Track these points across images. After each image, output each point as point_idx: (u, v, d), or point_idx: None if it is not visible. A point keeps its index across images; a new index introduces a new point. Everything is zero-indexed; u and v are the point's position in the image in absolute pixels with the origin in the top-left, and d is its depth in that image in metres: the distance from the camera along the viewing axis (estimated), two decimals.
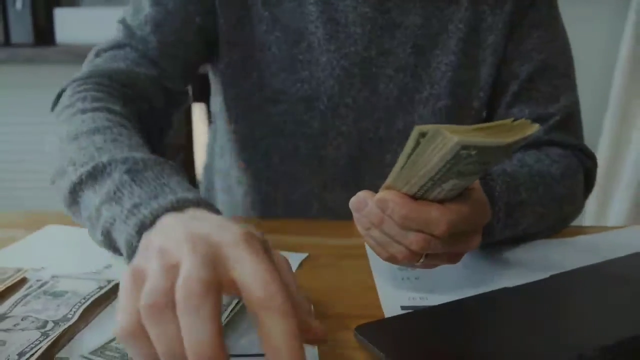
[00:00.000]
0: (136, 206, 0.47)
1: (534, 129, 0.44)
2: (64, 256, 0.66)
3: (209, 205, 0.47)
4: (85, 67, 0.74)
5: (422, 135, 0.43)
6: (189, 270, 0.35)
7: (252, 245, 0.38)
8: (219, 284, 0.35)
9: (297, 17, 0.78)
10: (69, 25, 1.84)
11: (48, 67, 1.90)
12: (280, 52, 0.78)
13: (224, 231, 0.39)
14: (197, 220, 0.42)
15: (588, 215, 2.02)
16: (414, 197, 0.49)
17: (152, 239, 0.41)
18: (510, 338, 0.49)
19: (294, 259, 0.65)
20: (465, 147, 0.40)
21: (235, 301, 0.53)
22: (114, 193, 0.50)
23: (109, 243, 0.51)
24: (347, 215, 0.84)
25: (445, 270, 0.63)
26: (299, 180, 0.84)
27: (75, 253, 0.68)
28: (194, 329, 0.33)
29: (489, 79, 0.80)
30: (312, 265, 0.65)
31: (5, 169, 2.03)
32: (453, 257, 0.54)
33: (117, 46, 0.76)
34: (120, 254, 0.51)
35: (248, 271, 0.36)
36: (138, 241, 0.45)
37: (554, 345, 0.47)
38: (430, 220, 0.48)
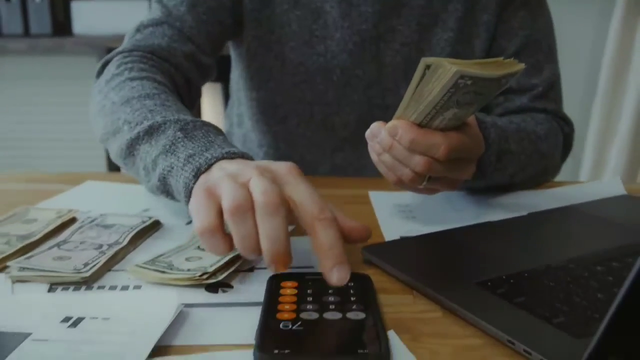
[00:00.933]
0: (191, 156, 0.57)
1: (521, 67, 0.53)
2: (106, 203, 0.76)
3: (252, 158, 0.58)
4: (128, 42, 0.83)
5: (427, 67, 0.52)
6: (265, 185, 0.47)
7: (300, 175, 0.51)
8: (285, 200, 0.47)
9: None
10: (86, 16, 1.93)
11: (66, 57, 2.00)
12: (299, 29, 0.89)
13: (277, 165, 0.52)
14: (250, 161, 0.54)
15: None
16: (420, 125, 0.58)
17: (214, 172, 0.53)
18: (493, 254, 0.59)
19: None
20: (462, 76, 0.49)
21: None
22: (170, 147, 0.59)
23: (163, 188, 0.61)
24: (355, 173, 0.94)
25: (438, 210, 0.73)
26: (314, 142, 0.94)
27: (115, 200, 0.77)
28: (271, 229, 0.45)
29: (482, 53, 0.91)
30: None
31: (23, 155, 2.13)
32: (451, 184, 0.63)
33: (155, 24, 0.84)
34: (172, 198, 0.62)
35: (303, 193, 0.49)
36: (194, 183, 0.55)
37: (527, 259, 0.57)
38: (433, 144, 0.57)
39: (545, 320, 0.45)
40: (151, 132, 0.62)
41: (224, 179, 0.49)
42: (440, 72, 0.51)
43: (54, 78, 2.03)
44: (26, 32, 1.94)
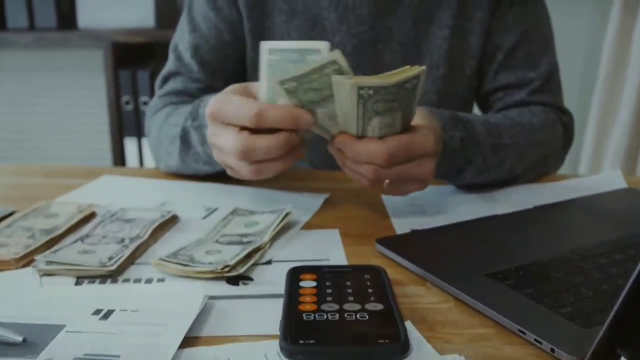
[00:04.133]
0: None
1: (419, 69, 0.57)
2: (124, 197, 0.78)
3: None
4: (159, 92, 0.97)
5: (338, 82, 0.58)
6: None
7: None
8: None
9: (312, 6, 0.91)
10: (91, 10, 1.94)
11: (71, 50, 2.01)
12: (299, 37, 0.91)
13: None
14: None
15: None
16: (358, 137, 0.62)
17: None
18: (501, 246, 0.61)
19: (318, 199, 0.77)
20: (361, 87, 0.56)
21: (277, 221, 0.65)
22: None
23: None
24: None
25: (447, 205, 0.75)
26: (318, 142, 0.96)
27: (133, 195, 0.79)
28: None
29: (478, 49, 0.92)
30: (334, 202, 0.77)
31: (30, 147, 2.15)
32: (417, 183, 0.65)
33: (172, 75, 0.96)
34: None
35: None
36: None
37: (534, 251, 0.59)
38: (371, 152, 0.60)
39: (553, 311, 0.47)
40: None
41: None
42: (342, 88, 0.57)
43: (60, 71, 2.05)
44: (31, 26, 1.96)
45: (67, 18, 1.99)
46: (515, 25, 0.91)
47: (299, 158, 0.65)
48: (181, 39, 0.95)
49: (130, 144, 1.99)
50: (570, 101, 0.98)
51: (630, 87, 1.93)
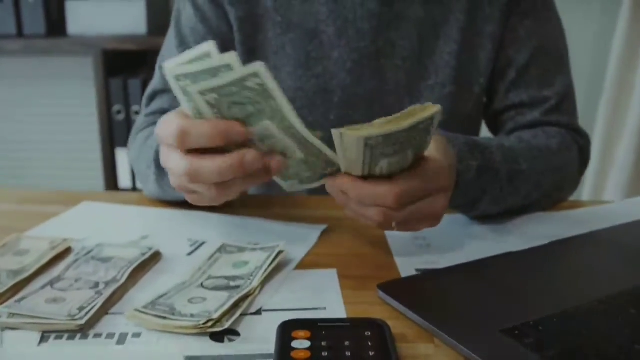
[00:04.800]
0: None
1: (434, 110, 0.51)
2: (103, 229, 0.72)
3: None
4: (145, 110, 0.91)
5: (341, 135, 0.52)
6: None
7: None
8: None
9: (308, 18, 0.84)
10: (80, 16, 1.88)
11: (60, 58, 1.95)
12: (294, 52, 0.84)
13: None
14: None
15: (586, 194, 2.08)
16: (364, 177, 0.56)
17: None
18: (517, 292, 0.55)
19: (314, 231, 0.71)
20: (369, 138, 0.50)
21: (269, 262, 0.59)
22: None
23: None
24: None
25: (454, 238, 0.69)
26: None
27: (112, 226, 0.73)
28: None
29: (488, 65, 0.86)
30: (332, 234, 0.71)
31: (18, 157, 2.09)
32: (429, 221, 0.59)
33: (158, 93, 0.90)
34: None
35: None
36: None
37: (554, 299, 0.53)
38: (379, 195, 0.55)
39: None
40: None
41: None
42: (347, 141, 0.52)
43: (49, 79, 1.98)
44: (20, 33, 1.90)
45: (56, 25, 1.93)
46: (529, 40, 0.85)
47: (274, 173, 0.57)
48: (168, 54, 0.89)
49: (121, 155, 1.93)
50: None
51: (638, 93, 1.87)
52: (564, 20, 0.90)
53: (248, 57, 0.86)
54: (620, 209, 0.79)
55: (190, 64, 0.51)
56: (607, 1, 1.99)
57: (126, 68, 1.92)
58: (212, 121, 0.54)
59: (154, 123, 0.85)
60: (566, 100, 0.86)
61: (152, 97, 0.91)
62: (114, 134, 1.91)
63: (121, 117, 1.88)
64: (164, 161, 0.59)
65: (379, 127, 0.50)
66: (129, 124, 1.88)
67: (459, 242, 0.68)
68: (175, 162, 0.56)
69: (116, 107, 1.88)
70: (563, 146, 0.80)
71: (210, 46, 0.50)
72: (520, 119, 0.86)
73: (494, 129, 0.92)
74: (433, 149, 0.59)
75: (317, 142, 0.55)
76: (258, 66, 0.48)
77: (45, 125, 2.03)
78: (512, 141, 0.76)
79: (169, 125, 0.55)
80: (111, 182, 1.95)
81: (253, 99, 0.51)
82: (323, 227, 0.72)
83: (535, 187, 0.74)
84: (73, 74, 1.95)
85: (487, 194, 0.69)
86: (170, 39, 0.90)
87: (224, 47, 0.87)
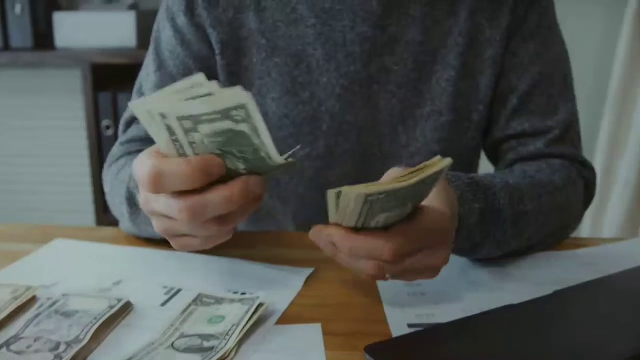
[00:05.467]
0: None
1: (444, 164, 0.47)
2: (74, 272, 0.67)
3: None
4: (121, 137, 0.87)
5: (337, 195, 0.48)
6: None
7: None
8: None
9: (295, 41, 0.79)
10: (68, 29, 1.83)
11: (48, 71, 1.90)
12: (280, 77, 0.79)
13: None
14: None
15: (584, 220, 2.03)
16: (357, 228, 0.51)
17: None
18: (525, 355, 0.50)
19: (300, 275, 0.66)
20: (370, 194, 0.46)
21: (247, 317, 0.54)
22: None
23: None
24: None
25: (450, 286, 0.64)
26: (307, 198, 0.85)
27: (84, 268, 0.68)
28: None
29: (488, 92, 0.81)
30: (318, 280, 0.66)
31: (5, 172, 2.03)
32: (427, 272, 0.55)
33: (133, 120, 0.85)
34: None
35: None
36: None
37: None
38: (374, 248, 0.50)
39: None
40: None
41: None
42: (344, 198, 0.48)
43: (36, 93, 1.93)
44: (6, 46, 1.85)
45: (43, 37, 1.88)
46: (531, 65, 0.80)
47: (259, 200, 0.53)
48: (145, 78, 0.84)
49: None
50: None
51: None
52: (567, 31, 0.85)
53: (231, 82, 0.81)
54: (630, 248, 0.74)
55: (163, 99, 0.46)
56: (608, 19, 1.94)
57: (115, 82, 1.87)
58: (189, 159, 0.49)
59: (129, 152, 0.81)
60: (570, 129, 0.81)
61: (129, 124, 0.86)
62: (103, 149, 1.86)
63: (110, 132, 1.84)
64: (148, 207, 0.54)
65: (380, 185, 0.46)
66: (118, 139, 1.83)
67: (456, 290, 0.63)
68: (164, 205, 0.51)
69: (105, 122, 1.83)
70: (568, 181, 0.75)
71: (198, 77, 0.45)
72: (522, 149, 0.80)
73: (494, 157, 0.87)
74: (433, 196, 0.54)
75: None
76: (246, 98, 0.44)
77: (32, 140, 1.98)
78: (516, 177, 0.71)
79: (143, 169, 0.50)
80: (99, 198, 1.91)
81: (235, 127, 0.46)
82: (309, 270, 0.67)
83: (540, 227, 0.70)
84: (61, 88, 1.90)
85: (490, 237, 0.64)
86: (148, 62, 0.85)
87: (206, 72, 0.82)
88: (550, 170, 0.75)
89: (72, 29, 1.83)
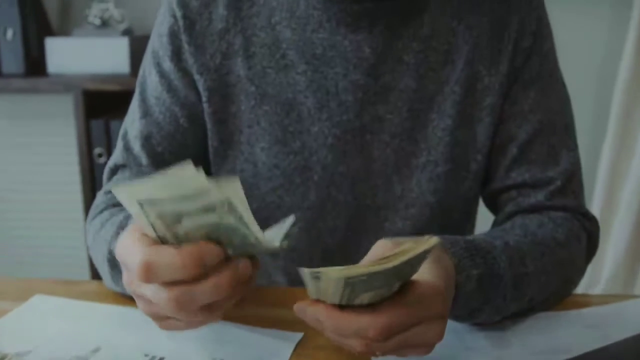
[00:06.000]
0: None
1: (431, 243, 0.45)
2: (51, 337, 0.64)
3: None
4: (105, 186, 0.84)
5: (314, 275, 0.46)
6: None
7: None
8: None
9: (285, 88, 0.76)
10: (60, 55, 1.81)
11: (40, 96, 1.87)
12: (270, 126, 0.77)
13: None
14: None
15: None
16: (342, 306, 0.49)
17: None
18: None
19: (288, 342, 0.63)
20: (350, 277, 0.44)
21: None
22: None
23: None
24: None
25: (446, 352, 0.61)
26: (298, 251, 0.82)
27: (63, 332, 0.65)
28: None
29: (486, 142, 0.78)
30: (308, 346, 0.62)
31: None
32: (421, 348, 0.52)
33: (119, 168, 0.83)
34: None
35: None
36: None
37: None
38: (360, 327, 0.47)
39: None
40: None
41: None
42: (324, 279, 0.46)
43: (28, 120, 1.90)
44: None
45: (36, 63, 1.85)
46: (532, 113, 0.77)
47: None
48: (131, 125, 0.82)
49: None
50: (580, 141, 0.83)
51: None
52: (572, 33, 0.82)
53: (218, 130, 0.79)
54: (632, 309, 0.71)
55: (149, 188, 0.44)
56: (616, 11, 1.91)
57: (108, 109, 1.84)
58: (181, 249, 0.46)
59: (114, 204, 0.78)
60: (572, 180, 0.78)
61: (114, 171, 0.84)
62: (96, 177, 1.83)
63: (103, 160, 1.80)
64: (133, 289, 0.52)
65: (362, 268, 0.44)
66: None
67: (452, 357, 0.60)
68: (151, 292, 0.49)
69: (97, 150, 1.80)
70: (571, 236, 0.72)
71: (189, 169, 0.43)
72: (523, 201, 0.77)
73: (493, 207, 0.83)
74: (425, 269, 0.51)
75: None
76: (231, 191, 0.43)
77: (23, 166, 1.95)
78: (517, 235, 0.68)
79: (132, 256, 0.48)
80: None
81: (223, 220, 0.45)
82: (298, 336, 0.64)
83: (542, 287, 0.66)
84: (53, 115, 1.87)
85: (490, 303, 0.61)
86: (133, 108, 0.82)
87: (193, 120, 0.80)
88: (552, 225, 0.72)
89: (64, 55, 1.81)
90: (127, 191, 0.44)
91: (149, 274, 0.46)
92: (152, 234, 0.48)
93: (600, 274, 1.98)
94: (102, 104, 1.83)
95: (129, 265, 0.49)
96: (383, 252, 0.51)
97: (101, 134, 1.79)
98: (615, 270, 1.93)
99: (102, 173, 1.78)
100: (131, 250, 0.48)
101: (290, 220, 0.52)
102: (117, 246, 0.51)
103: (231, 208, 0.43)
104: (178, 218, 0.45)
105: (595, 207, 1.88)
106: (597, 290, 1.96)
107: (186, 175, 0.42)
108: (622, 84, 1.82)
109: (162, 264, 0.46)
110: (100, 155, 1.80)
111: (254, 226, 0.45)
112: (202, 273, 0.46)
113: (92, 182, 1.83)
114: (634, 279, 1.99)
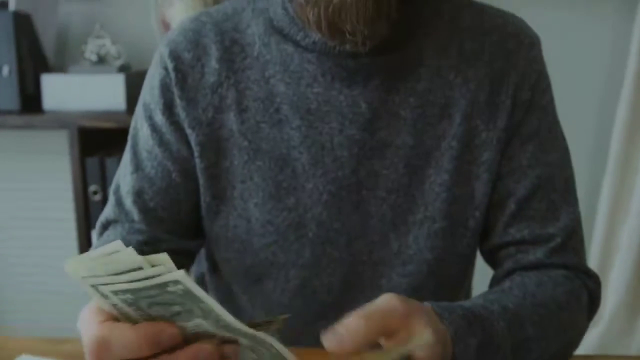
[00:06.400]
0: None
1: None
2: None
3: None
4: (95, 242, 0.84)
5: None
6: None
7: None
8: None
9: (279, 144, 0.75)
10: (56, 92, 1.80)
11: (35, 133, 1.86)
12: (263, 181, 0.75)
13: None
14: None
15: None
16: None
17: None
18: None
19: None
20: None
21: None
22: None
23: None
24: None
25: None
26: (293, 308, 0.80)
27: None
28: None
29: (484, 198, 0.77)
30: None
31: None
32: None
33: (111, 223, 0.82)
34: None
35: None
36: None
37: None
38: None
39: None
40: None
41: None
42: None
43: (22, 157, 1.89)
44: None
45: (31, 100, 1.84)
46: (530, 168, 0.76)
47: None
48: (123, 179, 0.80)
49: None
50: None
51: None
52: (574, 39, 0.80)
53: (211, 185, 0.77)
54: None
55: (97, 262, 0.43)
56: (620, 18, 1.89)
57: (103, 146, 1.83)
58: (136, 327, 0.44)
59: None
60: (573, 236, 0.76)
61: (105, 227, 0.82)
62: (90, 215, 1.81)
63: (98, 197, 1.79)
64: None
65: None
66: (105, 205, 1.78)
67: None
68: None
69: (92, 187, 1.79)
70: (572, 296, 0.70)
71: (118, 245, 0.42)
72: (522, 257, 0.75)
73: (491, 263, 0.82)
74: (419, 349, 0.49)
75: (262, 335, 0.47)
76: (178, 275, 0.41)
77: (17, 202, 1.94)
78: (516, 296, 0.67)
79: (86, 330, 0.46)
80: None
81: (178, 300, 0.43)
82: None
83: (542, 351, 0.65)
84: (48, 152, 1.86)
85: None
86: (125, 162, 0.81)
87: (186, 175, 0.78)
88: (552, 285, 0.70)
89: (60, 92, 1.80)
90: (74, 267, 0.44)
91: (101, 351, 0.45)
92: (108, 307, 0.47)
93: (602, 312, 1.96)
94: (97, 141, 1.82)
95: (83, 340, 0.47)
96: (387, 306, 0.51)
97: (96, 171, 1.78)
98: (617, 308, 1.91)
99: (97, 210, 1.77)
100: (86, 325, 0.47)
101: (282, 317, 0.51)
102: (80, 317, 0.50)
103: (185, 290, 0.42)
104: (132, 300, 0.43)
105: (595, 241, 1.86)
106: (599, 329, 1.93)
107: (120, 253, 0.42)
108: (620, 125, 1.81)
109: (116, 342, 0.44)
110: (95, 193, 1.79)
111: (219, 309, 0.43)
112: (156, 353, 0.45)
113: (86, 220, 1.81)
114: (636, 316, 1.96)
